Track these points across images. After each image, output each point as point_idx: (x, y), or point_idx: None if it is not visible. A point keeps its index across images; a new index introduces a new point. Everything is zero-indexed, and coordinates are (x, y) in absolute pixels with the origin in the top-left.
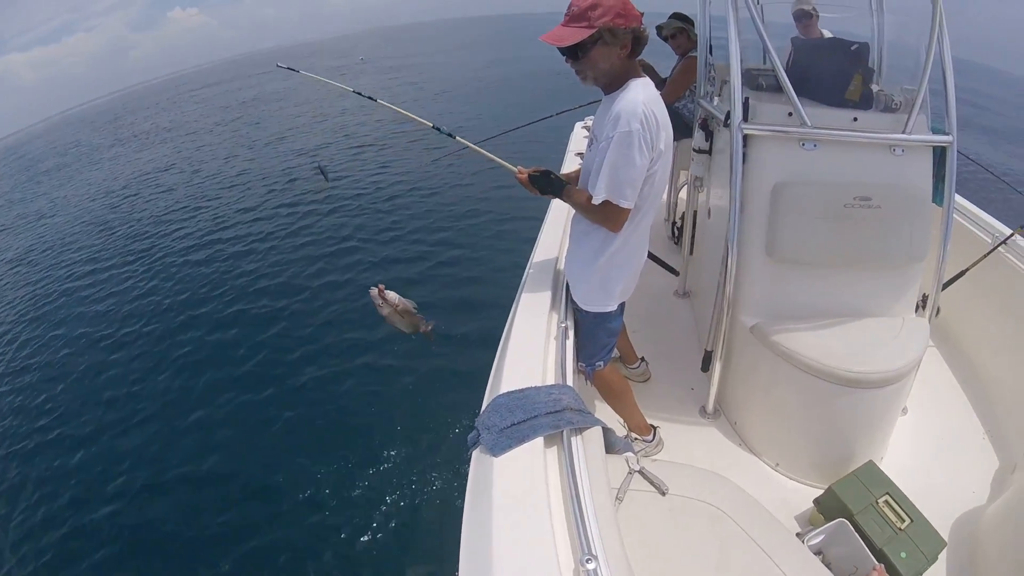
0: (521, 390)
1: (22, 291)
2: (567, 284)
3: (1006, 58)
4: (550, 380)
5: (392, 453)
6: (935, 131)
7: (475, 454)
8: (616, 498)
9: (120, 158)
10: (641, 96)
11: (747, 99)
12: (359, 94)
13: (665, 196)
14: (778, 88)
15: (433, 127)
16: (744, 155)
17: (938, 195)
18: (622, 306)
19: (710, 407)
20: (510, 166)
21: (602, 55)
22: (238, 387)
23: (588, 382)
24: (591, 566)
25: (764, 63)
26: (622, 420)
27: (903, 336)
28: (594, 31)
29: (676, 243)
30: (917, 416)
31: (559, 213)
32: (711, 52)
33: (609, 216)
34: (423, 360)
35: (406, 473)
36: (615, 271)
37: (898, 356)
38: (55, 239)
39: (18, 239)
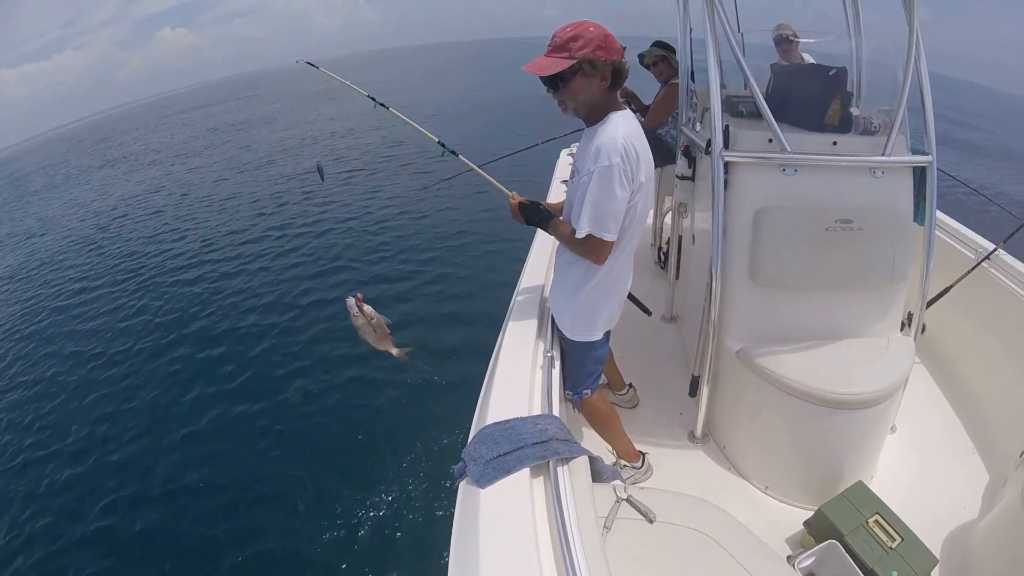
0: (507, 421)
1: (12, 308)
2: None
3: (989, 74)
4: (536, 410)
5: (378, 466)
6: (915, 151)
7: (462, 485)
8: (604, 527)
9: (110, 179)
10: (621, 130)
11: (727, 127)
12: (372, 99)
13: (651, 221)
14: (758, 114)
15: (439, 143)
16: (726, 182)
17: (920, 214)
18: (608, 334)
19: (698, 432)
20: (505, 190)
21: (581, 86)
22: (227, 402)
23: (576, 410)
24: None
25: (745, 88)
26: (610, 447)
27: (888, 356)
28: (574, 62)
29: (662, 268)
30: (906, 434)
31: (545, 242)
32: (693, 79)
33: (592, 249)
34: (409, 374)
35: (392, 485)
36: (599, 300)
37: (884, 376)
38: (45, 257)
39: (7, 257)
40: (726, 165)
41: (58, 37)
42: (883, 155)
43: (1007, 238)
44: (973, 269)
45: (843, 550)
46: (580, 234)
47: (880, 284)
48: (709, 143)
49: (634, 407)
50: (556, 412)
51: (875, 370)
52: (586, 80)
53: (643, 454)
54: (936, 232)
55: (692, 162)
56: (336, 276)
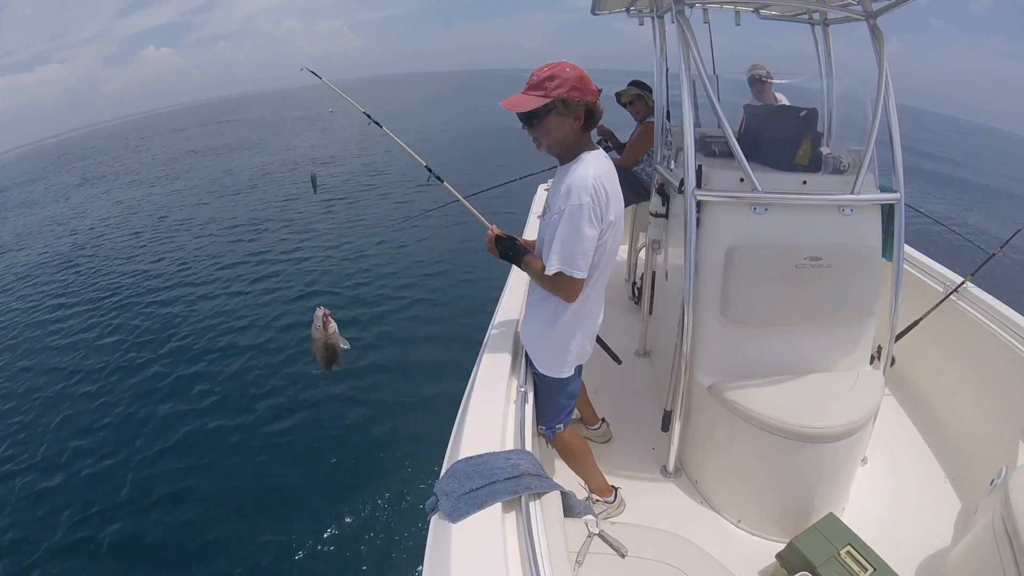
0: (480, 455)
1: None
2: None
3: (956, 105)
4: (509, 445)
5: (347, 485)
6: (883, 189)
7: (433, 520)
8: (576, 562)
9: (89, 198)
10: (592, 170)
11: (700, 166)
12: (368, 116)
13: (625, 257)
14: (730, 154)
15: (426, 167)
16: (698, 220)
17: (888, 250)
18: (580, 368)
19: (671, 466)
20: (486, 222)
21: (555, 124)
22: (200, 418)
23: (549, 445)
24: None
25: (719, 128)
26: (583, 482)
27: (857, 389)
28: (548, 100)
29: (636, 303)
30: (878, 465)
31: (519, 277)
32: (668, 117)
33: (563, 287)
34: (382, 393)
35: (359, 504)
36: (571, 336)
37: (853, 409)
38: (22, 272)
39: None
40: (698, 204)
41: (44, 50)
42: (852, 193)
43: (975, 271)
44: (941, 302)
45: None
46: (550, 271)
47: (849, 319)
48: (682, 182)
49: (607, 442)
50: (529, 447)
51: (845, 403)
52: (559, 119)
53: (615, 489)
54: (905, 266)
55: (666, 200)
56: (313, 300)
